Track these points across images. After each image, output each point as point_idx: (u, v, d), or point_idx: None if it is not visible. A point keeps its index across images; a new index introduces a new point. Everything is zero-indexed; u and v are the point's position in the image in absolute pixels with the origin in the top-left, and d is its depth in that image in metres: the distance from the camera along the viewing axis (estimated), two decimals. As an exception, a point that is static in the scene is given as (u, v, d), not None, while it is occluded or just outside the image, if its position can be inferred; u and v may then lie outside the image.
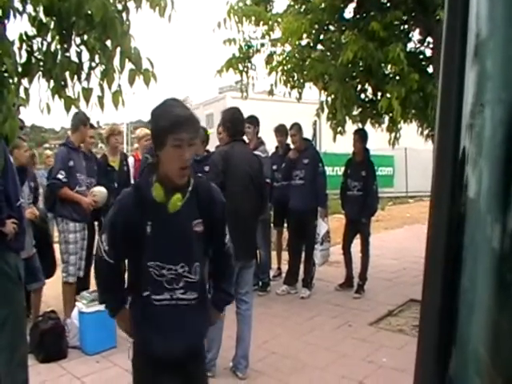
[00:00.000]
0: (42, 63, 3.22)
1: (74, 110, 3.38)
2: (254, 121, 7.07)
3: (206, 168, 6.16)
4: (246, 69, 7.56)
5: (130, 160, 7.31)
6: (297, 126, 7.15)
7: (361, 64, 6.27)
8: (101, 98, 3.25)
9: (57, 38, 3.26)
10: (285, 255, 7.90)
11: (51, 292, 5.88)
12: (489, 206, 0.63)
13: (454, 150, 0.67)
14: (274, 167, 7.35)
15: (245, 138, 4.78)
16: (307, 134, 7.72)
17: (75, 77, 3.28)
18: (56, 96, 3.23)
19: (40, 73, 3.22)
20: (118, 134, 6.99)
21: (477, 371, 0.63)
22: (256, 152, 6.80)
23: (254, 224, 4.72)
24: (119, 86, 3.24)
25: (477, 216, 0.65)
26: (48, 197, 5.99)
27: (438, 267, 0.67)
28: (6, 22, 3.02)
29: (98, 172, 6.40)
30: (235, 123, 4.65)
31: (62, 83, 3.25)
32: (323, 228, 6.97)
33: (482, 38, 0.67)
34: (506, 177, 0.61)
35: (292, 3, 7.08)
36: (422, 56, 6.89)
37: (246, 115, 4.77)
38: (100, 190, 6.09)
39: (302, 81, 7.18)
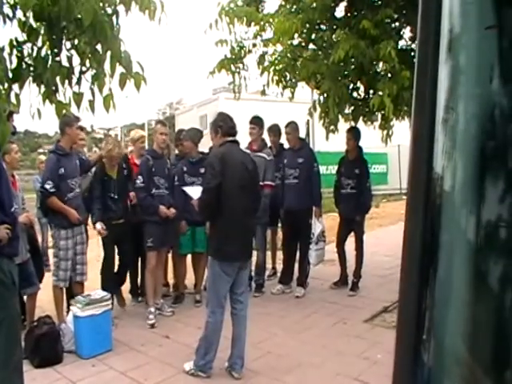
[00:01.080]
0: (32, 68, 3.23)
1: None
2: (258, 122, 7.08)
3: (202, 170, 6.17)
4: (238, 69, 7.57)
5: None
6: (292, 125, 7.13)
7: (352, 62, 6.27)
8: (92, 102, 3.26)
9: (47, 43, 3.27)
10: (279, 255, 7.92)
11: (46, 297, 5.87)
12: (464, 198, 0.64)
13: (429, 144, 0.68)
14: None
15: (238, 138, 4.78)
16: (300, 133, 7.72)
17: (66, 81, 3.28)
18: (47, 101, 3.23)
19: (31, 78, 3.23)
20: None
21: (454, 362, 0.64)
22: (261, 154, 6.82)
23: (251, 224, 4.75)
24: (110, 89, 3.25)
25: (452, 209, 0.66)
26: (42, 203, 5.97)
27: (414, 260, 0.68)
28: (-5, 27, 3.02)
29: (92, 181, 6.37)
30: (227, 121, 4.66)
31: (53, 88, 3.26)
32: (318, 227, 6.98)
33: (455, 34, 0.68)
34: (479, 170, 0.62)
35: (283, 3, 7.08)
36: (413, 53, 6.89)
37: (239, 116, 4.78)
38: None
39: (294, 80, 7.20)
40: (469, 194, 0.63)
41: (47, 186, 5.40)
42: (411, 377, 0.69)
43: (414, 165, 0.70)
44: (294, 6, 6.85)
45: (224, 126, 4.63)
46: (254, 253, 7.13)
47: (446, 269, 0.66)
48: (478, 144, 0.63)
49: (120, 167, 6.54)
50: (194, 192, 5.08)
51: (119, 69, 3.22)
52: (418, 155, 0.69)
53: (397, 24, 6.78)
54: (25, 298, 5.38)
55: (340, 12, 6.75)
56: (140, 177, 6.12)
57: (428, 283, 0.67)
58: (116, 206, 6.31)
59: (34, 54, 3.24)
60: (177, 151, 7.11)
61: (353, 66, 6.44)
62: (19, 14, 3.16)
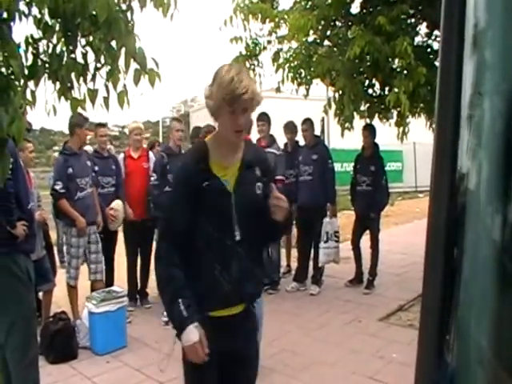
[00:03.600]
0: (47, 65, 3.23)
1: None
2: (266, 118, 7.06)
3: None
4: (252, 66, 7.56)
5: (120, 158, 6.80)
6: (309, 122, 7.13)
7: (368, 59, 6.23)
8: (106, 99, 3.25)
9: (62, 39, 3.26)
10: (294, 252, 7.90)
11: (61, 293, 5.90)
12: (489, 197, 0.62)
13: (453, 141, 0.66)
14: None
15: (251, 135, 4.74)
16: (315, 130, 7.70)
17: (81, 78, 3.28)
18: (62, 98, 3.23)
19: (46, 75, 3.23)
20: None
21: (478, 361, 0.62)
22: (270, 149, 6.79)
23: None
24: (124, 86, 3.24)
25: (477, 207, 0.64)
26: (53, 205, 6.01)
27: (438, 258, 0.66)
28: (11, 24, 3.03)
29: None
30: None
31: (69, 85, 3.26)
32: (329, 226, 6.91)
33: (480, 28, 0.66)
34: (505, 167, 0.60)
35: (298, 0, 7.06)
36: (429, 49, 6.83)
37: (253, 113, 4.72)
38: (118, 203, 6.15)
39: (309, 77, 7.15)
40: (494, 192, 0.62)
41: (57, 187, 5.45)
42: (434, 378, 0.68)
43: (437, 162, 0.68)
44: (309, 3, 6.83)
45: None
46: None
47: (471, 268, 0.64)
48: (503, 141, 0.61)
49: None
50: None
51: (134, 65, 3.21)
52: (442, 153, 0.68)
53: (413, 20, 6.73)
54: (40, 294, 5.41)
55: (355, 8, 6.71)
56: (154, 174, 6.17)
57: (452, 283, 0.65)
58: None
59: (50, 50, 3.23)
60: None
61: (368, 63, 6.38)
62: (35, 10, 3.16)
